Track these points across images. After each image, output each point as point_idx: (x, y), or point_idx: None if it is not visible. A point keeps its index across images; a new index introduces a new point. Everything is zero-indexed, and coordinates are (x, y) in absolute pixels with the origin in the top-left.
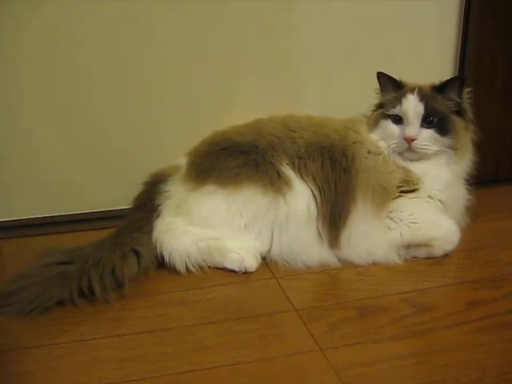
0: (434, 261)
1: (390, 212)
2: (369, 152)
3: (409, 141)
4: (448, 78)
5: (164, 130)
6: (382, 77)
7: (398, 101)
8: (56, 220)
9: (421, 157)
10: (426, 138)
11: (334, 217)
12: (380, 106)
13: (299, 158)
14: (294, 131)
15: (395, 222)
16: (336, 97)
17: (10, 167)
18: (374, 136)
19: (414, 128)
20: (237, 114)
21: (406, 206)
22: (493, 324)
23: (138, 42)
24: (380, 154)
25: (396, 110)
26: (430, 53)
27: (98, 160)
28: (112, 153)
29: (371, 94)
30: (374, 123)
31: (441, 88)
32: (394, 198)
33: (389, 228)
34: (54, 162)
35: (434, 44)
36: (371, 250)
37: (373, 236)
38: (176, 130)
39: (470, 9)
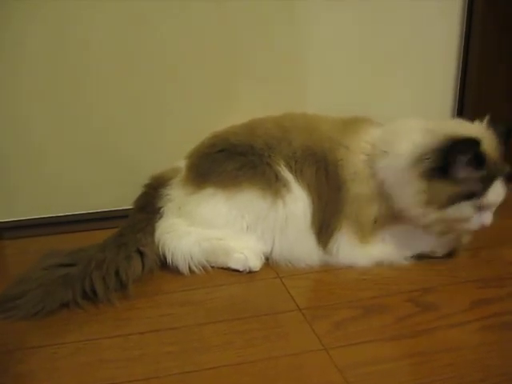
0: (437, 260)
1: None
2: (355, 173)
3: (483, 226)
4: None
5: (166, 130)
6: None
7: (486, 186)
8: (59, 220)
9: None
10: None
11: (322, 227)
12: (440, 172)
13: (296, 161)
14: (289, 132)
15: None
16: (338, 98)
17: (12, 167)
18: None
19: (491, 213)
20: (238, 115)
21: (390, 234)
22: (497, 323)
23: (139, 43)
24: (364, 179)
25: (483, 200)
26: (433, 53)
27: (100, 160)
28: (114, 153)
29: (373, 95)
30: (446, 203)
31: None
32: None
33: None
34: (56, 163)
35: (437, 43)
36: (360, 263)
37: (360, 256)
38: (177, 131)
39: (472, 9)
